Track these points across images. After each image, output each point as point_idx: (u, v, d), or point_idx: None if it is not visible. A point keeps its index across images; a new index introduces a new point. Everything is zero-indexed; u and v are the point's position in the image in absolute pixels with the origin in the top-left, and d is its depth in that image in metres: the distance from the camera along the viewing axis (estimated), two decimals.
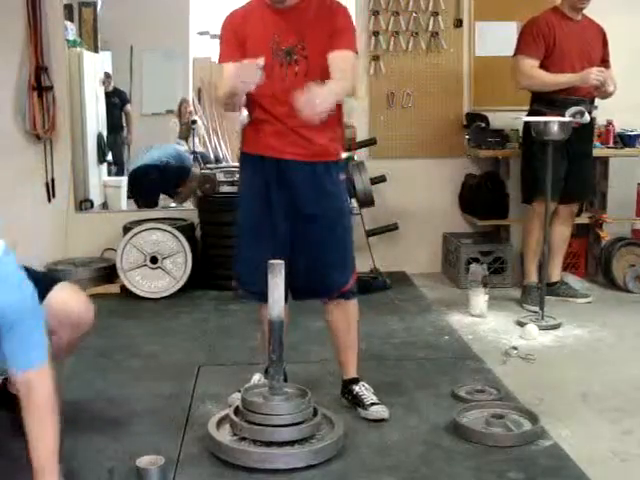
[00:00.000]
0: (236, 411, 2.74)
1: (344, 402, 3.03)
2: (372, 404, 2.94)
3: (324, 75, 2.76)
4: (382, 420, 2.91)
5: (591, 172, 4.66)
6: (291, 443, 2.65)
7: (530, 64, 4.39)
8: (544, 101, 4.42)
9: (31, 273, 2.29)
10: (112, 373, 3.52)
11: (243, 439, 2.68)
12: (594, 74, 4.24)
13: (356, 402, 2.98)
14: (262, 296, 2.72)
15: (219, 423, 2.80)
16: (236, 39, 2.86)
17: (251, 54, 2.75)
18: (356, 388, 3.01)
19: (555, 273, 4.69)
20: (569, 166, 4.45)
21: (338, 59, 2.81)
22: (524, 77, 4.44)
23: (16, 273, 2.17)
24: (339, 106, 2.86)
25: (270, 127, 2.86)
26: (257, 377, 3.07)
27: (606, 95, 4.36)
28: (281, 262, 2.65)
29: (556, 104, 4.33)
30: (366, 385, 3.03)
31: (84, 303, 2.67)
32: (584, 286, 4.90)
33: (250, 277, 2.93)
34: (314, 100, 2.55)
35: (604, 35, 4.48)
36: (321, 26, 2.83)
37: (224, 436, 2.73)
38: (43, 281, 2.51)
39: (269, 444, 2.64)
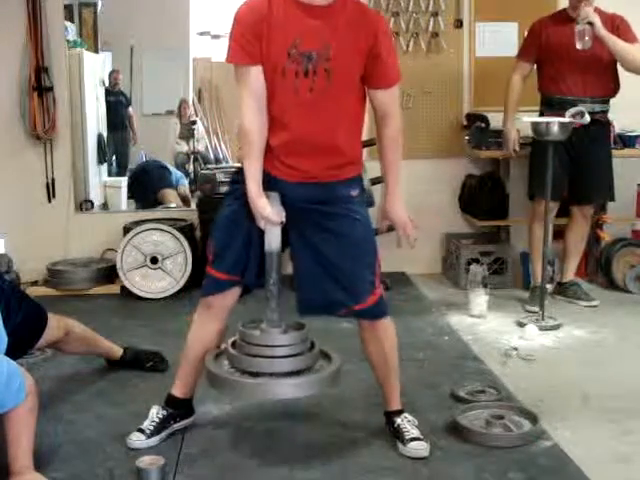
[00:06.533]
0: (234, 344, 2.70)
1: (388, 434, 2.85)
2: (412, 439, 2.74)
3: (345, 95, 2.58)
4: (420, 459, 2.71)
5: (605, 174, 4.54)
6: (287, 374, 2.60)
7: (519, 72, 4.52)
8: (544, 102, 4.48)
9: (23, 308, 2.93)
10: (112, 373, 3.53)
11: (240, 371, 2.64)
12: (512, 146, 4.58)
13: (396, 435, 2.78)
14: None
15: (217, 357, 2.76)
16: (254, 34, 2.50)
17: (264, 54, 2.51)
18: (398, 420, 2.81)
19: (567, 273, 4.70)
20: (578, 167, 4.44)
21: (389, 110, 2.65)
22: (508, 82, 4.55)
23: None
24: (361, 123, 2.72)
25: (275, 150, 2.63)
26: (154, 411, 2.90)
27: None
28: (277, 193, 2.61)
29: (553, 105, 4.37)
30: (409, 417, 2.84)
31: (57, 330, 3.17)
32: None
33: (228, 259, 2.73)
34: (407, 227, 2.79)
35: (613, 24, 4.30)
36: (354, 36, 2.52)
37: (220, 368, 2.68)
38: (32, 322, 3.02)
39: (265, 375, 2.59)
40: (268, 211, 2.57)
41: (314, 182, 2.64)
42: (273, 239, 2.62)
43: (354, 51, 2.55)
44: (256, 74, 2.55)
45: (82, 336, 3.33)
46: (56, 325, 3.15)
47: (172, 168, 7.33)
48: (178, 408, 2.91)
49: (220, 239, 2.79)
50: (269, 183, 2.63)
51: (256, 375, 2.60)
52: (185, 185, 7.16)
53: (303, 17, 2.49)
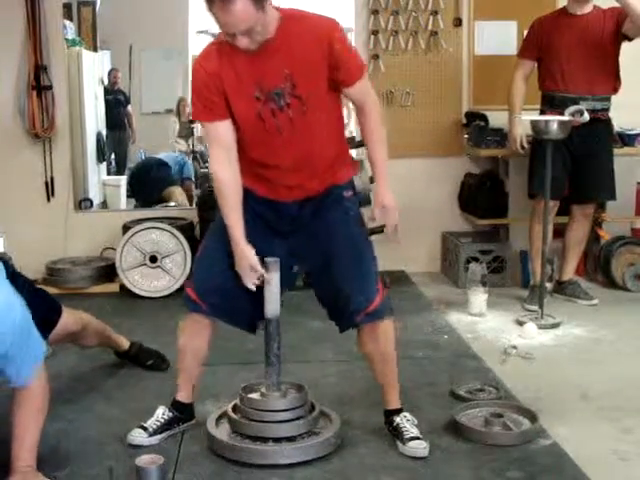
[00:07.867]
0: (234, 408, 2.75)
1: (387, 433, 2.84)
2: (411, 438, 2.72)
3: (322, 109, 2.58)
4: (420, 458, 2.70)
5: (606, 173, 4.51)
6: (289, 439, 2.66)
7: (521, 70, 4.50)
8: (545, 100, 4.48)
9: (36, 298, 2.78)
10: (111, 372, 3.53)
11: (241, 435, 2.69)
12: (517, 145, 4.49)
13: (396, 435, 2.77)
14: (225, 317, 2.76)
15: (217, 420, 2.81)
16: (214, 91, 2.53)
17: (234, 107, 2.53)
18: (397, 419, 2.80)
19: (566, 272, 4.70)
20: (579, 166, 4.43)
21: (364, 100, 2.62)
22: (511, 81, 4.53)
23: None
24: (342, 123, 2.72)
25: (264, 179, 2.66)
26: (160, 411, 2.89)
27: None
28: (276, 259, 2.63)
29: (554, 103, 4.38)
30: (408, 416, 2.82)
31: (74, 324, 3.20)
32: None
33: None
34: (394, 214, 2.67)
35: (613, 12, 4.28)
36: (309, 55, 2.50)
37: (222, 433, 2.74)
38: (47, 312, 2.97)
39: (267, 440, 2.65)
40: (254, 260, 2.60)
41: (310, 196, 2.68)
42: (273, 304, 2.64)
43: (315, 68, 2.52)
44: (225, 128, 2.57)
45: (97, 329, 3.39)
46: (73, 320, 3.19)
47: (171, 162, 7.27)
48: (183, 412, 2.92)
49: (205, 256, 2.79)
50: (266, 204, 2.68)
51: (256, 439, 2.66)
52: (192, 180, 7.18)
53: (254, 58, 2.48)
